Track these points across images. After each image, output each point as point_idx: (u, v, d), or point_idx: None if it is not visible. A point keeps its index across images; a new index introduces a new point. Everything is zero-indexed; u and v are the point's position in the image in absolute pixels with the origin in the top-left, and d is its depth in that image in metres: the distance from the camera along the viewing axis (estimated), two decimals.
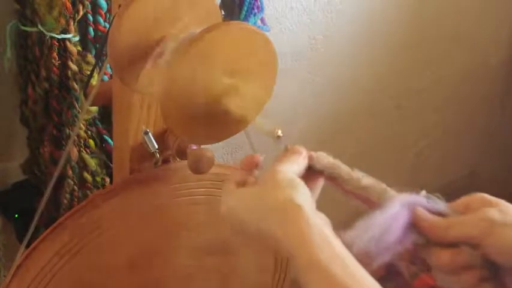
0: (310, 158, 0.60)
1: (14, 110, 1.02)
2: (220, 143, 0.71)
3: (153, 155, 0.80)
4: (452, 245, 0.53)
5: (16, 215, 1.06)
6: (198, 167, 0.78)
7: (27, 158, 1.05)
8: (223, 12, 0.98)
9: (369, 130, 1.62)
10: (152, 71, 0.69)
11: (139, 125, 0.79)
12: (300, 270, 0.50)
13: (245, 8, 1.01)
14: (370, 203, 0.56)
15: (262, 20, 1.05)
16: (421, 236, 0.54)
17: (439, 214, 0.54)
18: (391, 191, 0.56)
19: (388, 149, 1.71)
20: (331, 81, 1.46)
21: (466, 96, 1.78)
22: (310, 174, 0.60)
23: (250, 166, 0.60)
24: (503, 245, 0.51)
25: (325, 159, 0.60)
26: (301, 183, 0.55)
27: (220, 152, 1.34)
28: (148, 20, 0.67)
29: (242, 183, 0.58)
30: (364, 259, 0.50)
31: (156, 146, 0.79)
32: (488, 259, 0.52)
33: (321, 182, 0.60)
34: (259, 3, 1.02)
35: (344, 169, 0.58)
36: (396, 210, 0.53)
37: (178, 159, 0.83)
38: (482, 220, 0.52)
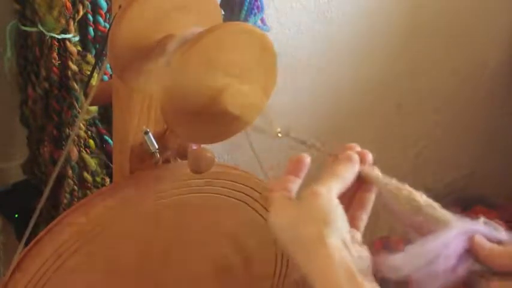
0: (362, 157, 0.59)
1: (14, 110, 1.02)
2: (219, 142, 0.71)
3: (153, 155, 0.80)
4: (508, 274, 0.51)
5: (16, 215, 1.06)
6: (198, 167, 0.78)
7: (27, 158, 1.05)
8: (223, 12, 0.98)
9: (369, 130, 1.62)
10: (152, 71, 0.69)
11: (139, 125, 0.79)
12: None
13: (245, 8, 1.01)
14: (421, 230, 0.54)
15: (262, 20, 1.06)
16: (477, 264, 0.52)
17: (498, 242, 0.52)
18: (451, 216, 0.53)
19: (388, 149, 1.71)
20: (332, 82, 1.46)
21: (466, 97, 1.78)
22: (362, 182, 0.58)
23: (298, 170, 0.58)
24: None
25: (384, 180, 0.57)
26: (337, 215, 0.53)
27: (220, 152, 1.34)
28: (148, 20, 0.67)
29: (287, 195, 0.56)
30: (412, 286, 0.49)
31: (156, 146, 0.79)
32: None
33: (374, 193, 0.59)
34: (259, 3, 1.03)
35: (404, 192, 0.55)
36: (449, 238, 0.51)
37: (178, 159, 0.83)
38: None
